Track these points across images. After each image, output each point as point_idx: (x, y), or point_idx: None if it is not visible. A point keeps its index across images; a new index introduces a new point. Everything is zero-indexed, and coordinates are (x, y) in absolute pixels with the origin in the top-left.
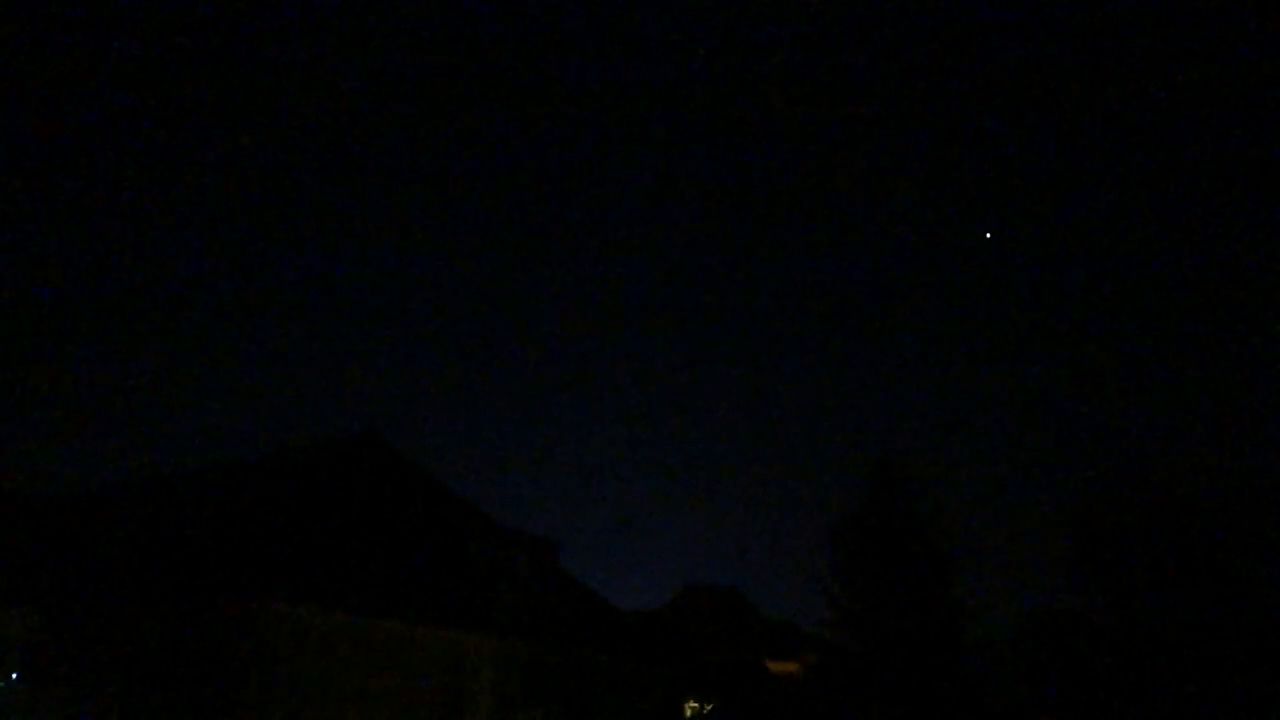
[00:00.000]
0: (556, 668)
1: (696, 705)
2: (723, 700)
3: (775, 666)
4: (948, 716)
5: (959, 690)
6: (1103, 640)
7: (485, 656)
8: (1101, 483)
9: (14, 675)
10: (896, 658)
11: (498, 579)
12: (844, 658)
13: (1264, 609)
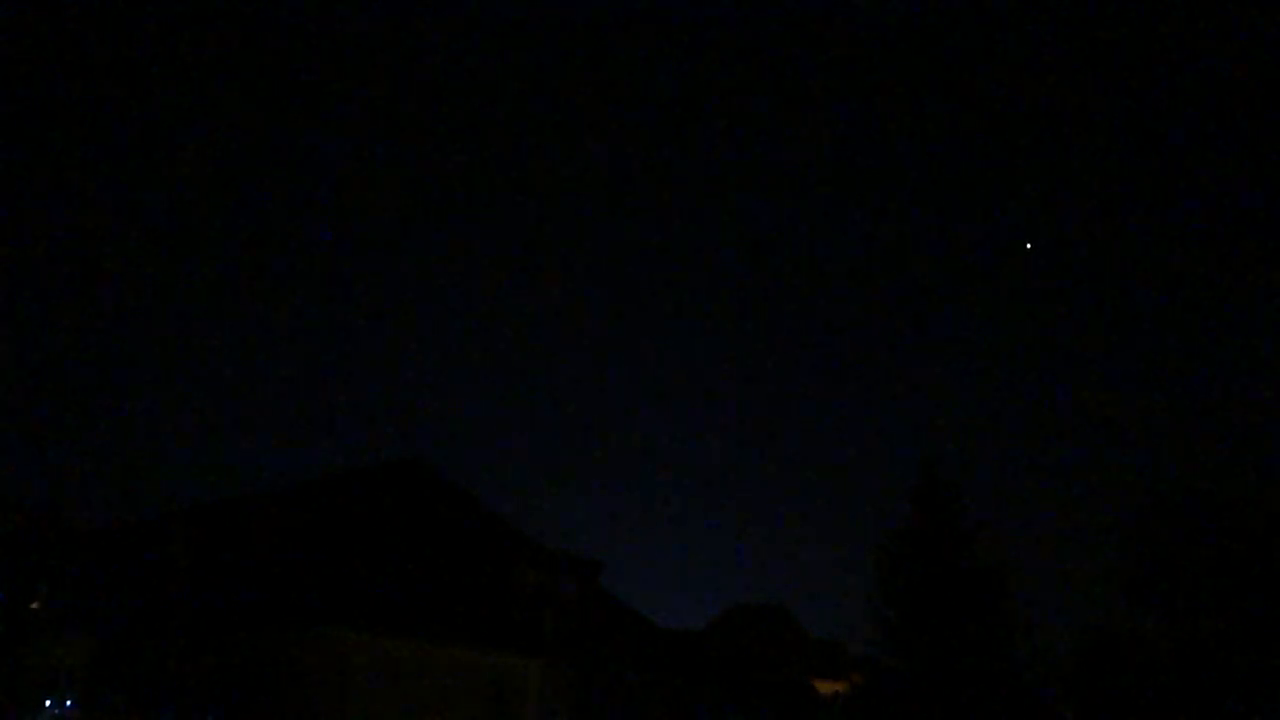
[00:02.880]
0: (602, 688)
1: None
2: None
3: (822, 686)
4: None
5: (1012, 710)
6: (1160, 660)
7: (532, 678)
8: (1161, 499)
9: (68, 702)
10: (946, 676)
11: (543, 602)
12: (892, 677)
13: None
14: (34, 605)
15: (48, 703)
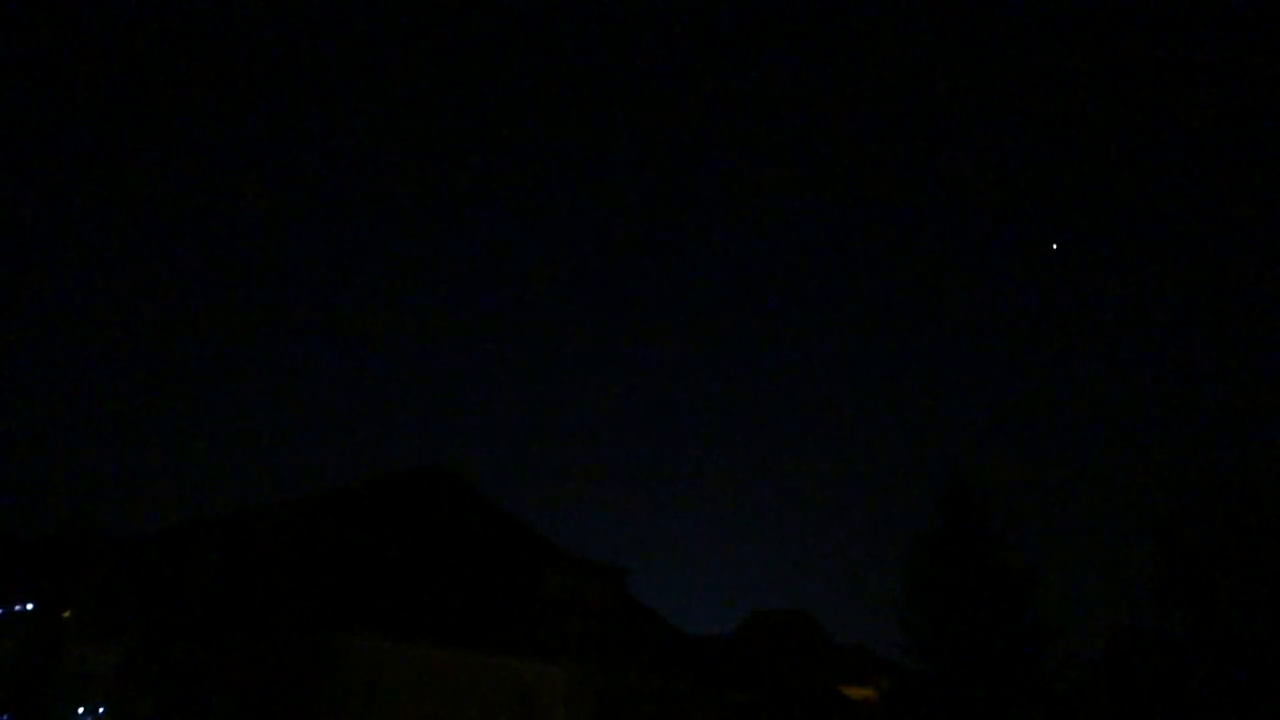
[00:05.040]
0: (628, 696)
1: None
2: None
3: (848, 692)
4: None
5: (1041, 714)
6: (1190, 661)
7: (557, 686)
8: (1188, 498)
9: (100, 709)
10: (974, 681)
11: (568, 608)
12: (919, 681)
13: None
14: (66, 614)
15: (80, 710)
